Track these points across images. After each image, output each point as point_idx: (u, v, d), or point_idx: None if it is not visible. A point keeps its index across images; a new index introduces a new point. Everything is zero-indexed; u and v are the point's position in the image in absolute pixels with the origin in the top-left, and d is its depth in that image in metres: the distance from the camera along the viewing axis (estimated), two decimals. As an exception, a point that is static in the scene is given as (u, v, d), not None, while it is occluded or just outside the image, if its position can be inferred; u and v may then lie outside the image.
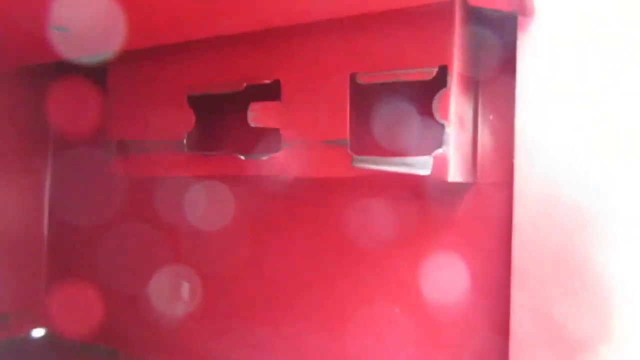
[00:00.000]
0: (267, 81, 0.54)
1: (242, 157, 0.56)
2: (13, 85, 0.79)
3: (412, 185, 0.55)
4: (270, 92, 0.55)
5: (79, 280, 0.80)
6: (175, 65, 0.61)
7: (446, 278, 0.53)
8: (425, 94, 0.50)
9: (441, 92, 0.46)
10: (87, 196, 0.80)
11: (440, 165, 0.46)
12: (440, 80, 0.47)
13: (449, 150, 0.46)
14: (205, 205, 0.68)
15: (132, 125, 0.65)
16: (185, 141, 0.60)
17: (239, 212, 0.65)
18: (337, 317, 0.59)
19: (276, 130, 0.54)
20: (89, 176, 0.79)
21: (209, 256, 0.69)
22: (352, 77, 0.50)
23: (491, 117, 0.52)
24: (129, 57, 0.65)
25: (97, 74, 0.71)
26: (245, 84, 0.55)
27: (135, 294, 0.74)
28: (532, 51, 0.45)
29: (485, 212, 0.52)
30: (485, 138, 0.53)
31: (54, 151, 0.85)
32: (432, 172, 0.46)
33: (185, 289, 0.70)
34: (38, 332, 0.84)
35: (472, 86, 0.52)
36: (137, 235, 0.74)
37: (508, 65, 0.47)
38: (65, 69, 0.70)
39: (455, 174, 0.47)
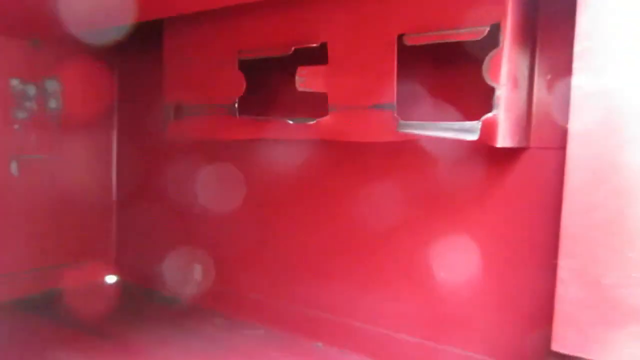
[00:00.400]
0: (314, 44, 0.54)
1: (290, 122, 0.57)
2: (78, 49, 0.84)
3: (460, 151, 0.54)
4: (318, 56, 0.55)
5: (143, 234, 0.87)
6: (227, 30, 0.62)
7: (493, 245, 0.53)
8: (477, 54, 0.48)
9: (493, 52, 0.44)
10: (150, 159, 0.85)
11: (489, 129, 0.44)
12: (492, 38, 0.44)
13: (499, 114, 0.44)
14: (262, 167, 0.71)
15: (187, 89, 0.67)
16: (236, 105, 0.61)
17: (293, 175, 0.67)
18: (402, 278, 0.61)
19: (323, 94, 0.55)
20: (150, 141, 0.83)
21: (274, 219, 0.72)
22: (400, 39, 0.49)
23: (549, 76, 0.50)
24: (182, 23, 0.67)
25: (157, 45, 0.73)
26: (293, 48, 0.56)
27: (199, 249, 0.79)
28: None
29: (537, 179, 0.50)
30: (541, 99, 0.50)
31: (118, 119, 0.90)
32: (480, 137, 0.45)
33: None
34: (110, 279, 0.92)
35: (529, 42, 0.49)
36: (194, 196, 0.78)
37: (570, 17, 0.44)
38: (127, 41, 0.73)
39: (504, 138, 0.45)
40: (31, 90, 0.80)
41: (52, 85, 0.82)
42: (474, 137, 0.45)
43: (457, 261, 0.55)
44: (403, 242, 0.59)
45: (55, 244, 0.84)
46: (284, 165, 0.69)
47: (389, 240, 0.60)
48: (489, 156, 0.53)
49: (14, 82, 0.78)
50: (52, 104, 0.82)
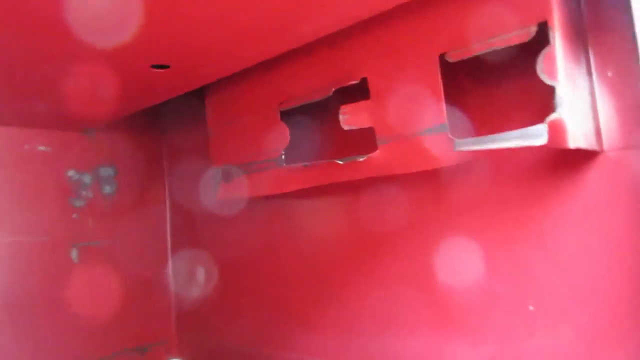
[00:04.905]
0: (355, 81, 0.54)
1: (340, 162, 0.55)
2: (128, 133, 0.88)
3: (524, 161, 0.50)
4: (359, 93, 0.54)
5: (203, 313, 0.84)
6: (265, 84, 0.63)
7: (572, 256, 0.47)
8: (523, 59, 0.46)
9: (544, 50, 0.41)
10: (203, 231, 0.84)
11: (558, 131, 0.41)
12: (539, 40, 0.42)
13: (564, 113, 0.41)
14: (311, 218, 0.68)
15: (233, 150, 0.67)
16: (283, 157, 0.60)
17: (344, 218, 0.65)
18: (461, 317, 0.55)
19: (369, 129, 0.53)
20: (201, 213, 0.83)
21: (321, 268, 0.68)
22: (442, 57, 0.47)
23: (609, 73, 0.46)
24: (221, 87, 0.68)
25: (198, 112, 0.76)
26: (333, 89, 0.55)
27: (260, 327, 0.76)
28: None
29: (616, 184, 0.45)
30: (606, 99, 0.47)
31: (170, 195, 0.91)
32: (549, 140, 0.41)
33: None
34: (174, 363, 0.88)
35: (580, 40, 0.46)
36: (261, 262, 0.76)
37: (622, 8, 0.42)
38: (171, 117, 0.75)
39: (575, 138, 0.41)
40: (87, 178, 0.83)
41: (106, 172, 0.85)
42: (542, 141, 0.41)
43: (529, 280, 0.49)
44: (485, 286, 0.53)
45: (116, 330, 0.82)
46: (336, 219, 0.66)
47: (465, 287, 0.55)
48: (558, 165, 0.49)
49: (71, 173, 0.82)
50: (107, 189, 0.85)
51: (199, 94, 0.72)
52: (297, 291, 0.70)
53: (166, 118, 0.91)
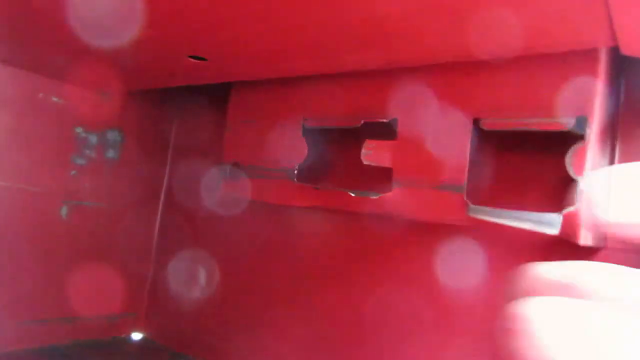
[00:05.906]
0: (385, 120, 0.54)
1: (352, 194, 0.55)
2: (141, 103, 0.87)
3: (527, 244, 0.51)
4: (387, 130, 0.54)
5: (180, 291, 0.84)
6: (295, 96, 0.63)
7: None
8: (553, 145, 0.47)
9: (577, 145, 0.42)
10: (198, 223, 0.84)
11: (571, 225, 0.42)
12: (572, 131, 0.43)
13: (582, 209, 0.42)
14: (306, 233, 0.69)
15: (247, 150, 0.67)
16: (296, 171, 0.61)
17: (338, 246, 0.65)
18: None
19: (388, 169, 0.53)
20: (200, 192, 0.83)
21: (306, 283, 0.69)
22: (476, 122, 0.48)
23: (630, 174, 0.47)
24: (250, 85, 0.68)
25: (215, 97, 0.75)
26: (362, 121, 0.55)
27: (233, 312, 0.76)
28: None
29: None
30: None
31: (169, 175, 0.91)
32: (561, 232, 0.42)
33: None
34: (136, 336, 0.89)
35: (610, 138, 0.47)
36: (247, 255, 0.76)
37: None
38: (186, 89, 0.75)
39: (587, 235, 0.42)
40: (93, 139, 0.82)
41: (113, 136, 0.84)
42: (554, 231, 0.42)
43: None
44: (462, 324, 0.55)
45: (89, 293, 0.82)
46: (329, 236, 0.67)
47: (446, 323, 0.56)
48: (555, 252, 0.50)
49: (78, 130, 0.81)
50: (110, 153, 0.84)
51: (221, 86, 0.72)
52: (280, 293, 0.71)
53: (182, 99, 0.90)
